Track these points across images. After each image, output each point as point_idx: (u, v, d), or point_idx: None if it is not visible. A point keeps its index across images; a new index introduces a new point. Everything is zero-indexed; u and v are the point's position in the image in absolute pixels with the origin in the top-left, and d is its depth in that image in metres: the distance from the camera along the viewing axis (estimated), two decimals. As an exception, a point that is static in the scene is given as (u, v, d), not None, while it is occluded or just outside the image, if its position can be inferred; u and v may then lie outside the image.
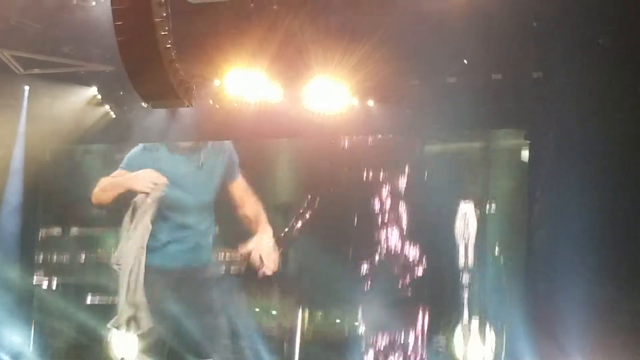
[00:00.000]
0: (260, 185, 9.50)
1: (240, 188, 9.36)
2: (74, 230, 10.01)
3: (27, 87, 9.85)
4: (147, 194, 8.91)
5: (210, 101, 9.22)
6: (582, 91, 8.21)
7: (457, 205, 8.94)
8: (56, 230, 10.11)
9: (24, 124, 10.00)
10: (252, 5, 7.95)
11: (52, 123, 9.86)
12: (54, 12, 8.37)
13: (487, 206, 8.95)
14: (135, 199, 9.01)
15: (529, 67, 8.52)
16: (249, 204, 9.25)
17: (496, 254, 8.86)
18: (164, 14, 6.25)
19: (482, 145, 9.21)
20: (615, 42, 7.89)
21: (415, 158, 9.37)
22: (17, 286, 9.88)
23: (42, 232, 10.14)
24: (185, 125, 9.53)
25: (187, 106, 7.89)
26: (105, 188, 9.15)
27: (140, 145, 9.35)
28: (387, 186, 9.34)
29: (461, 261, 8.82)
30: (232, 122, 9.19)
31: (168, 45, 6.97)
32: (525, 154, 8.93)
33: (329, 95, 8.82)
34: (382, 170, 9.39)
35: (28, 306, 10.01)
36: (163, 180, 8.98)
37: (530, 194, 8.78)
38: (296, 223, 9.38)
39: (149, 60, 6.94)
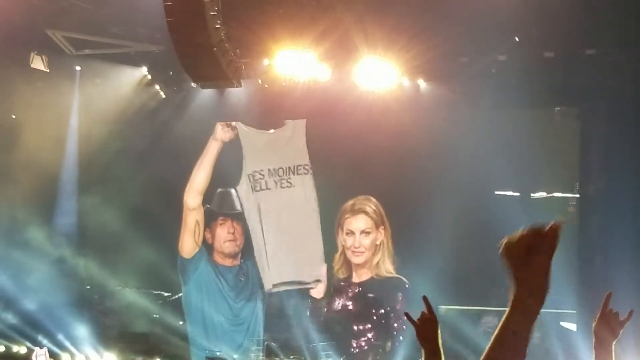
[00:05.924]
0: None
1: None
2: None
3: (78, 68, 9.93)
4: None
5: (259, 81, 9.22)
6: (637, 68, 8.05)
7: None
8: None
9: (76, 104, 10.09)
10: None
11: (103, 102, 9.94)
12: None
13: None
14: None
15: (582, 44, 8.37)
16: None
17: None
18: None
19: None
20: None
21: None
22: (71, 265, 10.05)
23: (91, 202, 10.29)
24: (234, 104, 9.55)
25: (236, 86, 7.91)
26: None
27: None
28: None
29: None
30: (281, 102, 9.18)
31: (217, 25, 6.98)
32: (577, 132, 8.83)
33: (379, 74, 8.77)
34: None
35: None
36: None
37: (582, 172, 8.67)
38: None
39: (199, 40, 6.96)
